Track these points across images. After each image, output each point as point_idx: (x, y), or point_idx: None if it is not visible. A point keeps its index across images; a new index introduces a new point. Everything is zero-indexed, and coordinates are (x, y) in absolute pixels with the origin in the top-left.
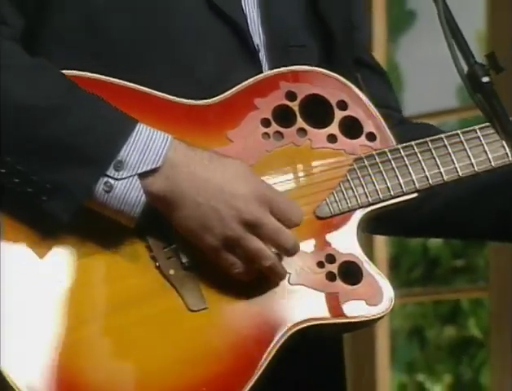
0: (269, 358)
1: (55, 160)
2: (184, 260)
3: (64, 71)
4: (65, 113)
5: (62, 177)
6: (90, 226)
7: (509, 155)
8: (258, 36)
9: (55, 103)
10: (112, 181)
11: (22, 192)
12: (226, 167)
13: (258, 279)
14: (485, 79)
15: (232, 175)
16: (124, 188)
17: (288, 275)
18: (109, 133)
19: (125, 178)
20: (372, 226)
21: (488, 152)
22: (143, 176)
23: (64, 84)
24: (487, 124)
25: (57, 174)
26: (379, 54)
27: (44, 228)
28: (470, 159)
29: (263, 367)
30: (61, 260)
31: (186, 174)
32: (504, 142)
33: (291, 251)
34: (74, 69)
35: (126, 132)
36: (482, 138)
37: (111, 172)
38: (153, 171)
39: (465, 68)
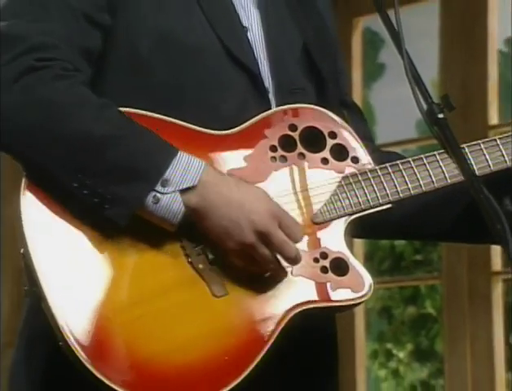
0: (276, 333)
1: (116, 177)
2: (210, 256)
3: (120, 108)
4: (125, 140)
5: (121, 191)
6: (139, 233)
7: (461, 174)
8: (267, 81)
9: (117, 133)
10: (159, 195)
11: (90, 202)
12: (247, 189)
13: (268, 275)
14: (440, 115)
15: (251, 196)
16: (168, 200)
17: (290, 269)
18: (158, 158)
19: (169, 193)
20: (354, 232)
21: (445, 172)
22: (182, 192)
23: (124, 119)
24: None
25: (117, 188)
26: (357, 97)
27: (103, 232)
28: (431, 177)
29: (272, 340)
30: (117, 256)
31: (214, 193)
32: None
33: (293, 260)
34: (124, 106)
35: (170, 157)
36: (440, 161)
37: (158, 187)
38: (191, 188)
39: (425, 107)
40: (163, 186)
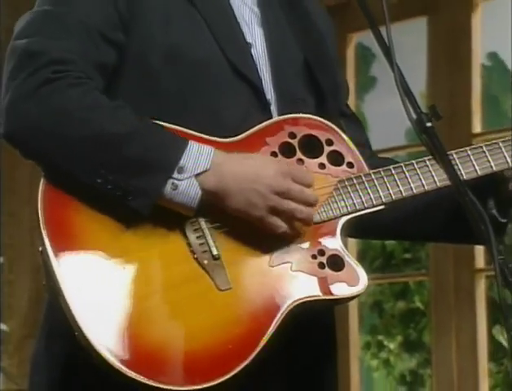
0: (277, 325)
1: (135, 169)
2: (215, 252)
3: None
4: (140, 136)
5: (141, 182)
6: (149, 233)
7: (448, 179)
8: (270, 93)
9: (133, 129)
10: (176, 181)
11: (113, 195)
12: (254, 159)
13: (270, 268)
14: (428, 124)
15: (260, 163)
16: (186, 186)
17: (290, 265)
18: (171, 148)
19: (185, 179)
20: (351, 231)
21: (435, 176)
22: (198, 176)
23: (136, 117)
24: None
25: (138, 180)
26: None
27: (117, 231)
28: (422, 181)
29: (273, 331)
30: (128, 254)
31: (228, 171)
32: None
33: (314, 203)
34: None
35: (182, 147)
36: (430, 166)
37: (175, 175)
38: (205, 172)
39: (414, 117)
40: (179, 173)
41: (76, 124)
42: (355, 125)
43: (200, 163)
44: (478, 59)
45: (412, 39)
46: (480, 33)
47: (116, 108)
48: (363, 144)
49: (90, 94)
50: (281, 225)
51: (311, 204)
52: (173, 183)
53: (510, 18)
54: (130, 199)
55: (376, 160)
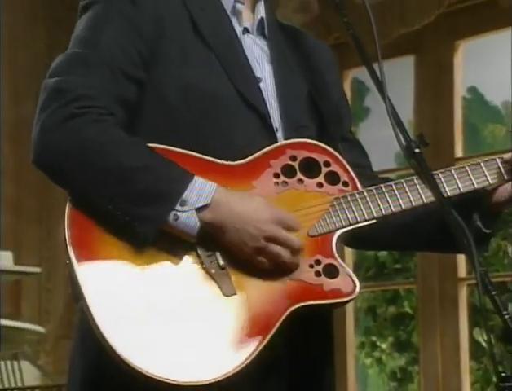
0: (277, 326)
1: (144, 200)
2: (221, 263)
3: (148, 144)
4: (150, 170)
5: (148, 211)
6: (162, 246)
7: (434, 198)
8: (277, 121)
9: (145, 164)
10: (178, 213)
11: (122, 220)
12: (251, 202)
13: (271, 276)
14: (417, 150)
15: (256, 207)
16: (186, 217)
17: (289, 274)
18: (177, 183)
19: (187, 211)
20: (348, 242)
21: (421, 193)
22: (198, 210)
23: (149, 153)
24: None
25: (145, 209)
26: None
27: (133, 245)
28: (409, 197)
29: (273, 332)
30: (145, 264)
31: (226, 209)
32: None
33: (298, 250)
34: (154, 143)
35: (187, 182)
36: (417, 185)
37: (178, 207)
38: (205, 207)
39: (404, 143)
40: (181, 205)
41: (95, 156)
42: (355, 149)
43: (201, 198)
44: (460, 92)
45: (401, 74)
46: (461, 70)
47: (131, 144)
48: (363, 166)
49: (109, 130)
50: (266, 264)
51: (295, 250)
52: (174, 214)
53: (489, 57)
54: (137, 224)
55: (376, 181)
